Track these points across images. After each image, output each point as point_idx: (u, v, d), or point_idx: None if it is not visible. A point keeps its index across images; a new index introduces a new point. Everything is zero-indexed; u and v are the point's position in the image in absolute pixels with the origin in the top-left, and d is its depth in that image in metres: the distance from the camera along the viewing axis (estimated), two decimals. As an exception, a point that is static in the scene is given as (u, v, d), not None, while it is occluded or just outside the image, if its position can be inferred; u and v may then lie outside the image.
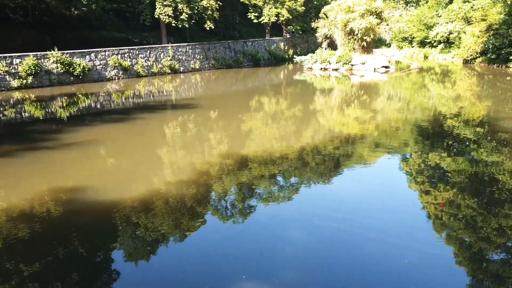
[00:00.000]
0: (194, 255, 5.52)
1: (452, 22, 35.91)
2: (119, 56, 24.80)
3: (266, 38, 39.52)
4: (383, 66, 28.94)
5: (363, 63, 29.30)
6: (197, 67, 29.45)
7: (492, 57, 28.56)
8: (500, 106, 16.24)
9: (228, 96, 21.04)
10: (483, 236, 5.95)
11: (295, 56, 36.15)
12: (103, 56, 24.08)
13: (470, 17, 33.46)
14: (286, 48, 40.44)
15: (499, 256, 5.50)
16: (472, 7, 34.28)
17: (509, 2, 27.89)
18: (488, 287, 4.80)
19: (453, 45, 36.03)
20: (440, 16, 38.03)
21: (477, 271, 5.15)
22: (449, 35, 35.75)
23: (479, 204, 6.97)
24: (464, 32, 32.99)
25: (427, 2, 42.43)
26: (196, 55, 29.72)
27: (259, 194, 7.74)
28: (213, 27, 29.60)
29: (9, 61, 20.40)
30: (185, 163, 9.55)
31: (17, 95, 19.31)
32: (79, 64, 22.65)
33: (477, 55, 30.75)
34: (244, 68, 32.24)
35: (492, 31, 28.92)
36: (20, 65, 20.66)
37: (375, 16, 29.78)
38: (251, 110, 16.21)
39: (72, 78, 22.60)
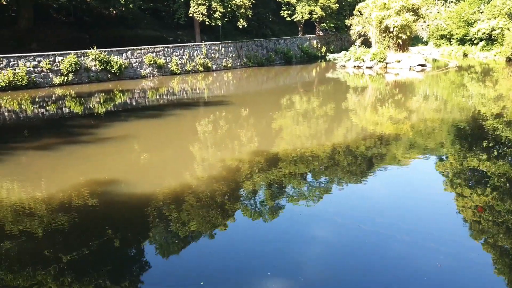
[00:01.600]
0: (221, 250, 5.55)
1: (495, 18, 34.26)
2: (154, 54, 25.37)
3: (299, 36, 39.23)
4: (419, 65, 28.02)
5: (398, 61, 28.48)
6: (229, 65, 29.65)
7: (539, 55, 26.97)
8: (546, 106, 15.31)
9: (259, 94, 21.05)
10: (524, 243, 5.63)
11: (327, 54, 35.67)
12: (138, 54, 24.71)
13: (515, 13, 31.77)
14: (319, 46, 39.98)
15: (542, 265, 5.19)
16: (517, 2, 32.55)
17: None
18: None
19: (495, 42, 34.35)
20: (482, 12, 36.36)
21: (517, 280, 4.87)
22: (491, 31, 34.14)
23: (521, 210, 6.60)
24: (508, 29, 31.39)
25: (468, -2, 40.68)
26: (229, 53, 29.92)
27: (287, 193, 7.68)
28: (245, 25, 29.70)
29: (52, 59, 21.33)
30: (216, 159, 9.63)
31: (58, 91, 20.17)
32: (116, 62, 23.35)
33: (522, 53, 29.13)
34: (276, 66, 32.14)
35: (539, 28, 27.33)
36: (62, 63, 21.56)
37: (411, 13, 28.88)
38: (281, 108, 16.14)
39: (109, 75, 23.34)
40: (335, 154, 9.98)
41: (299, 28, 39.75)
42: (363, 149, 10.43)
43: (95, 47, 22.63)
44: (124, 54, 24.12)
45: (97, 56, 22.60)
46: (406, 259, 5.27)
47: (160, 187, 7.74)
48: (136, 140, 11.41)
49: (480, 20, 35.86)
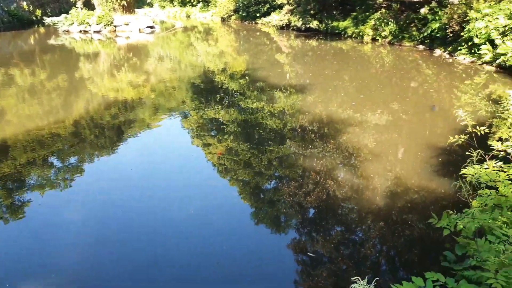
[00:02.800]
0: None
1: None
2: None
3: (1, -5, 32.87)
4: (148, 27, 28.87)
5: (127, 24, 28.44)
6: None
7: (243, 14, 32.57)
8: (255, 59, 18.99)
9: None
10: (257, 171, 7.09)
11: (45, 18, 31.69)
12: None
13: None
14: (31, 8, 34.83)
15: (270, 185, 6.72)
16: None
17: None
18: (266, 211, 5.84)
19: (210, 4, 39.05)
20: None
21: (257, 202, 6.16)
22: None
23: (252, 146, 8.20)
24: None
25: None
26: None
27: (32, 184, 6.79)
28: None
29: None
30: None
31: None
32: None
33: (232, 13, 34.42)
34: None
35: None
36: None
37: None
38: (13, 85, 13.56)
39: None
40: (80, 130, 9.38)
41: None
42: (108, 118, 10.22)
43: None
44: None
45: None
46: (163, 213, 5.72)
47: None
48: None
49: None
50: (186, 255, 4.78)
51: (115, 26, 27.95)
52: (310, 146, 8.00)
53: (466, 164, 2.73)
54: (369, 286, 2.05)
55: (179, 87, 13.79)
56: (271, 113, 10.15)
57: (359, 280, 2.02)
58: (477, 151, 2.67)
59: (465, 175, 2.57)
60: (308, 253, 4.74)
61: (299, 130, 9.01)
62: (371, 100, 10.96)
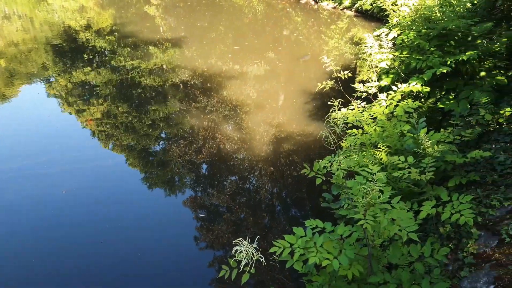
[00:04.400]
0: None
1: None
2: None
3: None
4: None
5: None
6: None
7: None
8: (122, 12, 17.59)
9: None
10: (142, 134, 6.88)
11: None
12: None
13: None
14: None
15: (159, 146, 6.62)
16: None
17: None
18: (157, 174, 5.79)
19: None
20: None
21: (146, 166, 6.04)
22: None
23: (132, 108, 7.84)
24: None
25: None
26: None
27: None
28: None
29: None
30: None
31: None
32: None
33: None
34: None
35: None
36: None
37: None
38: None
39: None
40: None
41: None
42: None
43: None
44: None
45: None
46: (32, 192, 5.32)
47: None
48: None
49: None
50: (74, 228, 4.56)
51: None
52: (194, 102, 7.98)
53: (332, 109, 3.05)
54: (252, 246, 2.17)
55: (36, 49, 12.17)
56: (149, 70, 9.72)
57: (241, 242, 2.15)
58: (338, 100, 3.00)
59: (335, 119, 2.89)
60: (200, 214, 4.90)
61: (181, 86, 8.86)
62: (248, 50, 11.22)
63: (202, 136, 6.67)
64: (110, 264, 4.18)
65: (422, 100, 4.76)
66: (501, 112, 3.84)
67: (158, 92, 8.56)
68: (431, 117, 4.62)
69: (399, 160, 3.17)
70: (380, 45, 5.00)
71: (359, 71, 8.01)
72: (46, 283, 3.96)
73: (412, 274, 2.58)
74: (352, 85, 4.76)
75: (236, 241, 2.17)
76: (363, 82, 4.82)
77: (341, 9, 15.21)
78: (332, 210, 4.04)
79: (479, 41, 4.59)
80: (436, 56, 4.46)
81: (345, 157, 3.03)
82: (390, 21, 5.87)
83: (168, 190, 5.46)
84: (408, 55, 4.87)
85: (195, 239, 4.56)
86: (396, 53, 5.04)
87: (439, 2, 5.02)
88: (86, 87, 9.09)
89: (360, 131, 3.91)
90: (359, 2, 14.11)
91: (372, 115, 3.97)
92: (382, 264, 2.64)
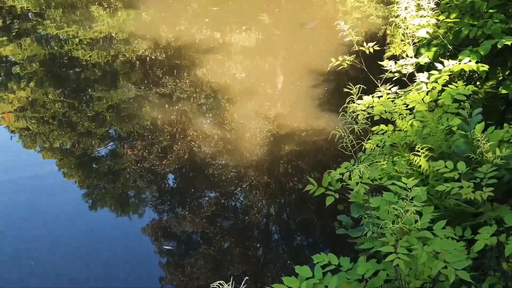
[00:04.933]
0: None
1: None
2: None
3: None
4: None
5: None
6: None
7: None
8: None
9: None
10: (83, 131, 6.87)
11: None
12: None
13: None
14: None
15: (106, 149, 6.62)
16: None
17: None
18: (104, 188, 5.80)
19: None
20: None
21: (89, 178, 6.05)
22: None
23: (68, 94, 7.83)
24: None
25: None
26: None
27: None
28: None
29: None
30: None
31: None
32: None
33: None
34: None
35: None
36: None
37: None
38: None
39: None
40: None
41: None
42: None
43: None
44: None
45: None
46: None
47: None
48: None
49: None
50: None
51: None
52: (156, 86, 7.97)
53: (350, 98, 3.01)
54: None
55: None
56: (91, 41, 9.69)
57: (222, 286, 2.12)
58: (358, 85, 2.94)
59: (355, 112, 2.86)
60: (165, 246, 4.90)
61: (138, 63, 8.86)
62: (232, 12, 11.23)
63: (168, 134, 6.67)
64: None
65: (478, 83, 4.79)
66: None
67: (104, 72, 8.55)
68: (490, 106, 4.65)
69: (446, 167, 3.18)
70: (418, 4, 5.00)
71: (390, 43, 8.05)
72: None
73: (464, 329, 2.59)
74: (380, 62, 4.78)
75: (214, 284, 2.15)
76: (395, 58, 4.83)
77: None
78: (350, 240, 4.04)
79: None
80: (497, 21, 4.48)
81: (369, 164, 3.03)
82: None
83: (120, 212, 5.46)
84: (458, 20, 4.88)
85: (160, 281, 4.56)
86: (441, 17, 5.05)
87: None
88: (1, 65, 9.05)
89: (391, 127, 3.90)
90: None
91: (408, 105, 3.97)
92: (421, 316, 2.65)
